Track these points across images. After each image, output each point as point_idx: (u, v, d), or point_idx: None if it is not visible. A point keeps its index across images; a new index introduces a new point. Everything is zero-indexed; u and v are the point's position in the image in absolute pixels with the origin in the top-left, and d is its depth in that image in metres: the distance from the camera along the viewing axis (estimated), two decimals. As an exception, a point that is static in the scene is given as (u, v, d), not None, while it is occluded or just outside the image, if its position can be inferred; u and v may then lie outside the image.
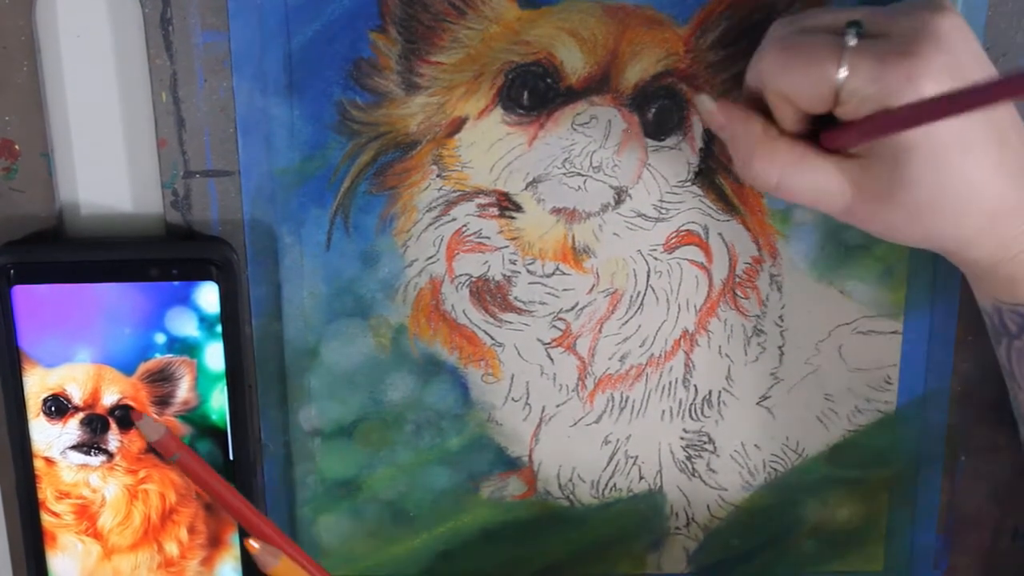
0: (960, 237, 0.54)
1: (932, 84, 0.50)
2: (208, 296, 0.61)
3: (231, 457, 0.64)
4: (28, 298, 0.61)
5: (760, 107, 0.56)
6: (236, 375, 0.63)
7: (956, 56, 0.51)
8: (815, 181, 0.54)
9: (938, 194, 0.52)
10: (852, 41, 0.51)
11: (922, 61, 0.50)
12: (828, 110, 0.53)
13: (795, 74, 0.53)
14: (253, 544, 0.59)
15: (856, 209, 0.54)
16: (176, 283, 0.61)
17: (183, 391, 0.63)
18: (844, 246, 0.64)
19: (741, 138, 0.56)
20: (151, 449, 0.63)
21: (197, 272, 0.61)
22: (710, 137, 0.62)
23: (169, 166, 0.62)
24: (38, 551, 0.65)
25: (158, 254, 0.62)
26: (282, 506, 0.68)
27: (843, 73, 0.51)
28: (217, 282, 0.61)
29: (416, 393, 0.66)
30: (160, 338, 0.62)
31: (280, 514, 0.68)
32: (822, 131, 0.55)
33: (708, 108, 0.57)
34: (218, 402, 0.63)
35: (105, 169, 0.62)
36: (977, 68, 0.52)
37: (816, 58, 0.52)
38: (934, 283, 0.65)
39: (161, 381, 0.63)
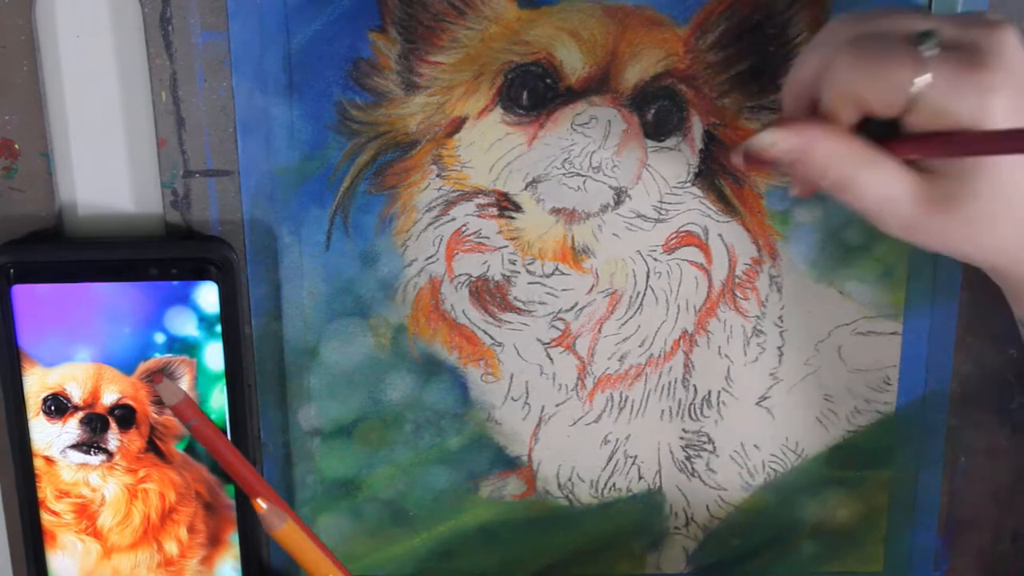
0: (1010, 254, 0.54)
1: (1003, 101, 0.50)
2: (207, 296, 0.61)
3: (230, 457, 0.64)
4: (28, 297, 0.61)
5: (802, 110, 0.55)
6: (235, 375, 0.63)
7: (1021, 73, 0.51)
8: (887, 185, 0.53)
9: (998, 210, 0.52)
10: (931, 52, 0.50)
11: (996, 77, 0.50)
12: (897, 115, 0.52)
13: (870, 78, 0.51)
14: (261, 504, 0.59)
15: (916, 219, 0.53)
16: (175, 283, 0.61)
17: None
18: (844, 247, 0.64)
19: (820, 141, 0.53)
20: (151, 447, 0.63)
21: (196, 272, 0.61)
22: (710, 138, 0.62)
23: (169, 166, 0.62)
24: (38, 550, 0.65)
25: (157, 254, 0.61)
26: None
27: (921, 83, 0.50)
28: (216, 282, 0.61)
29: (415, 393, 0.66)
30: (160, 338, 0.62)
31: (279, 514, 0.68)
32: (893, 139, 0.53)
33: (772, 140, 0.54)
34: (218, 402, 0.63)
35: (105, 169, 0.62)
36: None
37: (894, 65, 0.51)
38: (934, 284, 0.65)
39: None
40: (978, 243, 0.53)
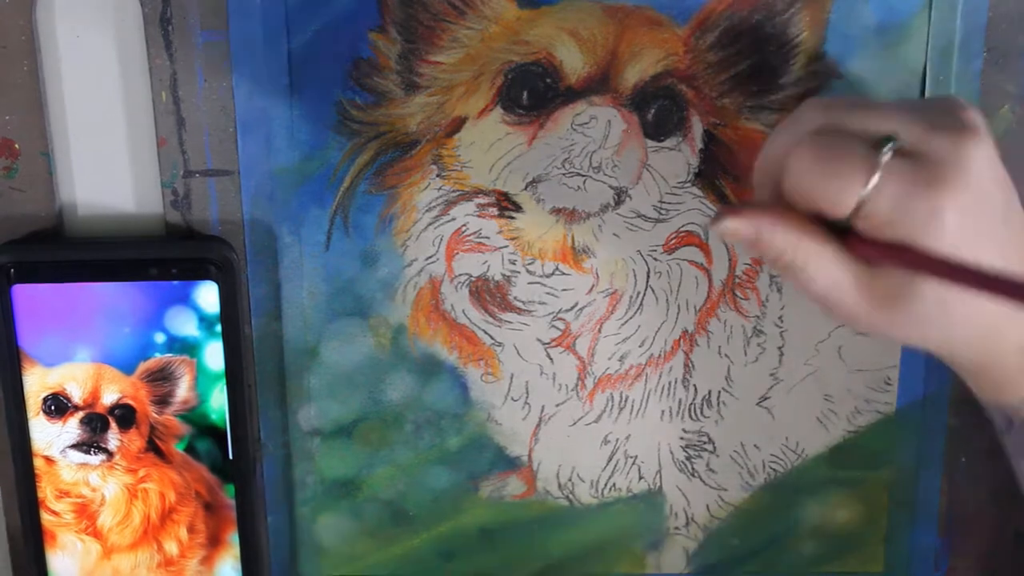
0: (951, 348, 0.54)
1: (955, 219, 0.49)
2: (208, 296, 0.61)
3: (230, 456, 0.64)
4: (28, 297, 0.61)
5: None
6: (235, 375, 0.63)
7: (983, 190, 0.50)
8: (833, 278, 0.52)
9: (940, 311, 0.51)
10: (887, 158, 0.49)
11: (949, 195, 0.49)
12: (845, 218, 0.51)
13: (822, 177, 0.51)
14: None
15: (862, 313, 0.53)
16: (175, 283, 0.61)
17: (183, 390, 0.63)
18: (844, 247, 0.64)
19: (770, 231, 0.53)
20: (151, 446, 0.64)
21: (196, 272, 0.61)
22: (710, 138, 0.62)
23: (169, 165, 0.62)
24: (38, 550, 0.65)
25: (158, 253, 0.62)
26: (282, 506, 0.67)
27: (869, 189, 0.49)
28: (216, 282, 0.61)
29: (416, 393, 0.66)
30: (160, 337, 0.62)
31: (280, 514, 0.68)
32: (849, 234, 0.52)
33: (730, 228, 0.54)
34: (218, 401, 0.63)
35: (105, 168, 0.62)
36: (1000, 198, 0.51)
37: (847, 167, 0.50)
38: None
39: (161, 380, 0.63)
40: (924, 339, 0.53)
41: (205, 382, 0.63)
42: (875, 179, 0.49)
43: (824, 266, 0.52)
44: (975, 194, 0.49)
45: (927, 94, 0.62)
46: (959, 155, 0.50)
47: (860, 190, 0.49)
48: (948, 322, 0.52)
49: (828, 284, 0.52)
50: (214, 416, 0.63)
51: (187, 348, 0.62)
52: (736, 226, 0.53)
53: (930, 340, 0.53)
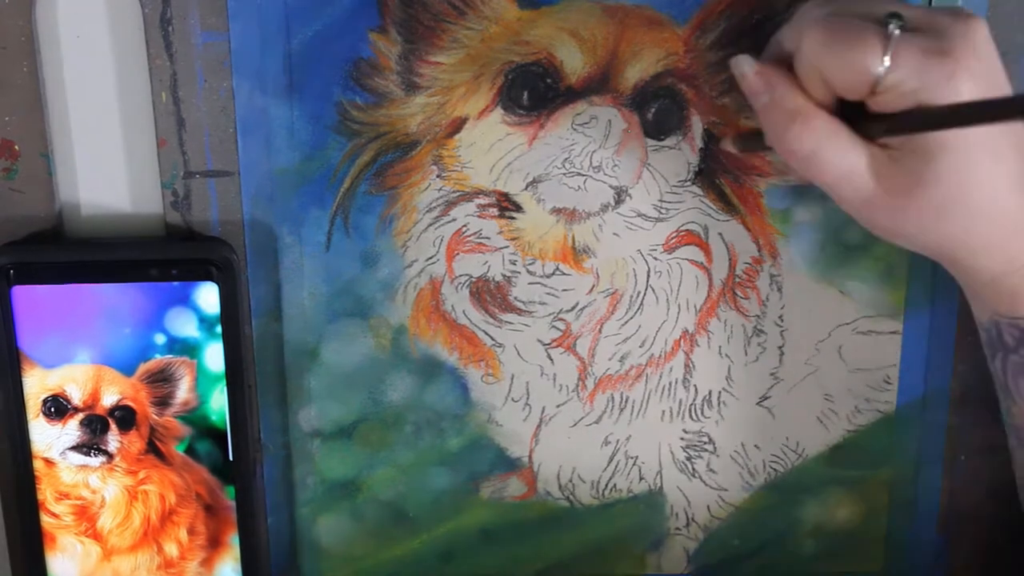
0: (969, 245, 0.54)
1: (970, 86, 0.50)
2: (208, 296, 0.61)
3: (231, 458, 0.64)
4: (28, 298, 0.61)
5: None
6: (236, 375, 0.63)
7: (988, 63, 0.52)
8: (846, 160, 0.53)
9: (959, 197, 0.52)
10: (896, 31, 0.51)
11: (962, 63, 0.51)
12: (863, 98, 0.52)
13: (838, 57, 0.52)
14: None
15: (875, 200, 0.54)
16: (176, 283, 0.61)
17: (183, 392, 0.63)
18: (844, 246, 0.64)
19: (779, 104, 0.54)
20: (151, 448, 0.63)
21: (197, 272, 0.61)
22: (709, 137, 0.62)
23: (169, 166, 0.62)
24: (37, 552, 0.65)
25: (158, 254, 0.62)
26: (282, 506, 0.68)
27: (886, 64, 0.51)
28: (217, 282, 0.61)
29: (416, 393, 0.66)
30: (160, 339, 0.62)
31: (280, 515, 0.68)
32: (859, 116, 0.54)
33: (745, 71, 0.55)
34: (218, 403, 0.63)
35: (105, 169, 0.62)
36: (1001, 79, 0.53)
37: (861, 45, 0.51)
38: (934, 283, 0.65)
39: (161, 382, 0.63)
40: (934, 232, 0.53)
41: (205, 383, 0.63)
42: (890, 50, 0.50)
43: (840, 147, 0.53)
44: (982, 63, 0.51)
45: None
46: (964, 29, 0.51)
47: (877, 64, 0.51)
48: (968, 209, 0.52)
49: (844, 168, 0.53)
50: (214, 417, 0.63)
51: (187, 349, 0.62)
52: (751, 71, 0.55)
53: (949, 233, 0.53)
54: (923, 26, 0.52)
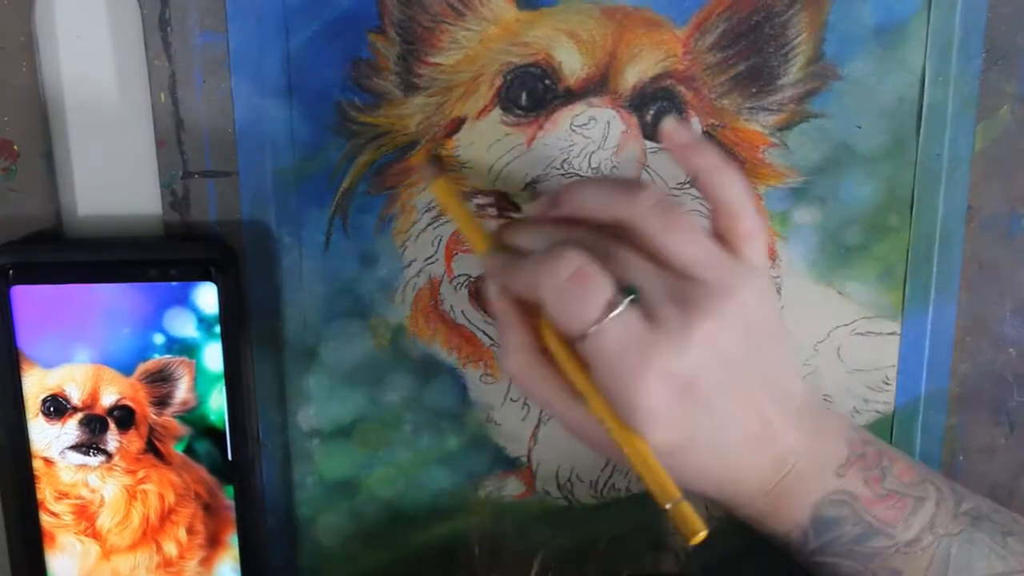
0: (712, 493, 0.57)
1: (656, 388, 0.52)
2: (207, 297, 0.61)
3: (230, 457, 0.64)
4: (27, 298, 0.61)
5: None
6: (235, 375, 0.63)
7: (699, 366, 0.52)
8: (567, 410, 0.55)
9: (671, 459, 0.54)
10: (621, 308, 0.52)
11: (656, 365, 0.51)
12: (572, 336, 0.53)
13: (568, 296, 0.52)
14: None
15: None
16: (175, 284, 0.61)
17: (182, 391, 0.63)
18: (843, 247, 0.64)
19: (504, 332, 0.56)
20: (150, 447, 0.64)
21: (196, 273, 0.61)
22: (709, 139, 0.62)
23: (168, 167, 0.62)
24: (36, 552, 0.65)
25: (157, 255, 0.61)
26: (281, 506, 0.67)
27: (596, 327, 0.52)
28: (216, 283, 0.61)
29: (415, 393, 0.66)
30: (159, 339, 0.62)
31: (279, 514, 0.68)
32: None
33: (493, 293, 0.57)
34: (217, 402, 0.63)
35: (104, 169, 0.62)
36: (717, 379, 0.53)
37: (588, 298, 0.52)
38: (933, 284, 0.65)
39: (160, 381, 0.63)
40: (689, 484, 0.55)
41: (204, 383, 0.63)
42: (605, 320, 0.51)
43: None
44: (687, 369, 0.52)
45: (926, 94, 0.62)
46: (682, 332, 0.51)
47: (590, 323, 0.51)
48: (685, 475, 0.54)
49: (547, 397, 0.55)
50: (213, 417, 0.63)
51: (186, 349, 0.62)
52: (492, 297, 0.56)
53: (694, 486, 0.56)
54: (653, 309, 0.52)
